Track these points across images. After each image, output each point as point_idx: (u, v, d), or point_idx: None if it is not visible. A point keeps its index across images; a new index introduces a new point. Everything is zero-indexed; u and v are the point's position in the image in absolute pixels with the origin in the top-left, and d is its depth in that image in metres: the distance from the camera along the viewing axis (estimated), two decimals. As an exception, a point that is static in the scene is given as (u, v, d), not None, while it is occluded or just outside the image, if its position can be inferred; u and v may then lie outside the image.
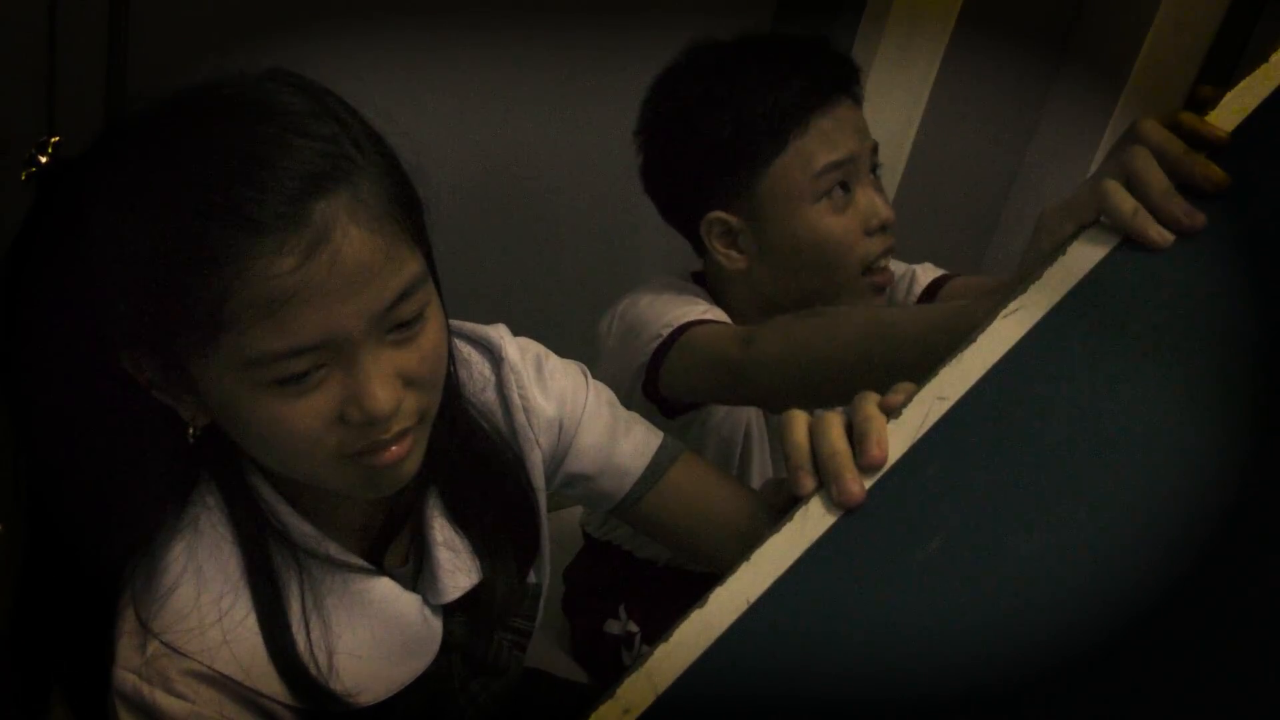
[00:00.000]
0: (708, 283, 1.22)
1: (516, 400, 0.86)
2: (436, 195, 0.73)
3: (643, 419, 0.94)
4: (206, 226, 0.62)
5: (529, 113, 1.58)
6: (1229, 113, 0.72)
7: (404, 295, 0.67)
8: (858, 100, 1.15)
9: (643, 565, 1.31)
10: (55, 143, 0.71)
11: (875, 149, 1.15)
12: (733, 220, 1.13)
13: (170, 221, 0.63)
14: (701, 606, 0.63)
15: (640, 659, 0.62)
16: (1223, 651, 0.62)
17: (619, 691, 0.61)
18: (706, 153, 1.12)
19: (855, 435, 0.66)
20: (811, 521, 0.65)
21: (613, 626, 1.31)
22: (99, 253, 0.66)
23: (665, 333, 1.08)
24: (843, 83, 1.13)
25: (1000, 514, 0.65)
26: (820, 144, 1.10)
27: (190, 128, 0.65)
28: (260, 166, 0.63)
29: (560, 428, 0.88)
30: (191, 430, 0.72)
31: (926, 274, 1.29)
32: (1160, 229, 0.69)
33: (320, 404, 0.67)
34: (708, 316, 1.10)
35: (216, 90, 0.67)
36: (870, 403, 0.67)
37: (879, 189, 1.15)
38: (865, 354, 0.88)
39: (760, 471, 1.24)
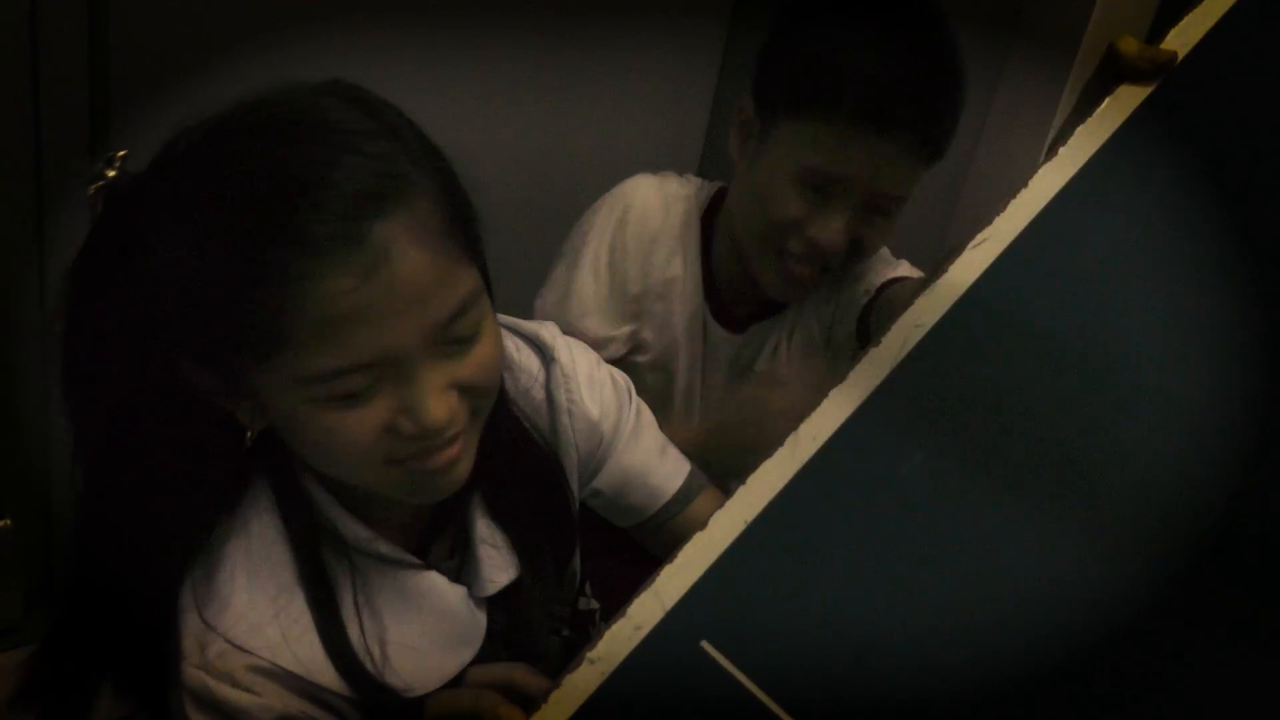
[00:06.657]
0: (721, 202, 1.20)
1: (563, 403, 0.87)
2: (492, 208, 0.72)
3: (674, 445, 0.96)
4: (263, 248, 0.62)
5: (529, 109, 1.59)
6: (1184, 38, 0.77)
7: (460, 311, 0.67)
8: (921, 144, 1.07)
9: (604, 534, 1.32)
10: (123, 156, 0.70)
11: (893, 200, 1.09)
12: (753, 118, 1.12)
13: (227, 243, 0.63)
14: (704, 529, 0.67)
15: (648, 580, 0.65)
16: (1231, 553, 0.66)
17: (629, 610, 0.64)
18: (778, 53, 1.11)
19: None
20: (802, 445, 0.69)
21: (581, 603, 1.32)
22: (158, 270, 0.66)
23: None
24: (913, 124, 1.05)
25: (979, 426, 0.70)
26: (829, 147, 1.05)
27: (245, 148, 0.65)
28: (314, 188, 0.62)
29: (601, 439, 0.89)
30: (249, 434, 0.72)
31: (884, 272, 1.20)
32: None
33: (372, 416, 0.67)
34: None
35: (271, 106, 0.67)
36: None
37: (865, 224, 1.09)
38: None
39: (685, 390, 1.23)
